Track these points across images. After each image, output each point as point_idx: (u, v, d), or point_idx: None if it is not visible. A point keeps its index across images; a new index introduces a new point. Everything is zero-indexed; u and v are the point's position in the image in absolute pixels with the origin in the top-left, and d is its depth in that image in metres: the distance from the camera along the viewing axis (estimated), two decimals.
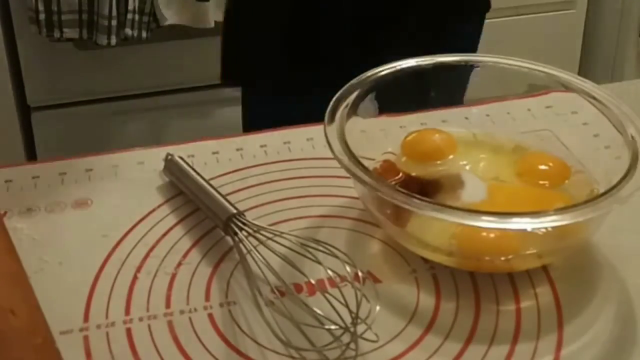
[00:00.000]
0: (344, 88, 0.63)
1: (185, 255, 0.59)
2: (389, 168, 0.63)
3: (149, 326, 0.54)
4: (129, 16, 1.59)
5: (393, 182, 0.61)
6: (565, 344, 0.53)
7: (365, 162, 0.57)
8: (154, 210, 0.64)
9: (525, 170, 0.63)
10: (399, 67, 0.65)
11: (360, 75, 0.64)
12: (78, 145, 1.71)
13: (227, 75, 1.04)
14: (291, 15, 0.96)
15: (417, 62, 0.66)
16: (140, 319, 0.54)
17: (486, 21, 1.11)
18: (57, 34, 1.58)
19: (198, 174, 0.64)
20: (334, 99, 0.62)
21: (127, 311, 0.55)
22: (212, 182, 0.67)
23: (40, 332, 0.51)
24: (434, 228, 0.57)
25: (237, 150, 0.70)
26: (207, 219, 0.62)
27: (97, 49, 1.64)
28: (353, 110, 0.61)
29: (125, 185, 0.67)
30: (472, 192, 0.60)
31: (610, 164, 0.59)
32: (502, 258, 0.57)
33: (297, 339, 0.53)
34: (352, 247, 0.61)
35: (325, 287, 0.56)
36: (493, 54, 0.68)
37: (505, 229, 0.54)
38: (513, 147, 0.65)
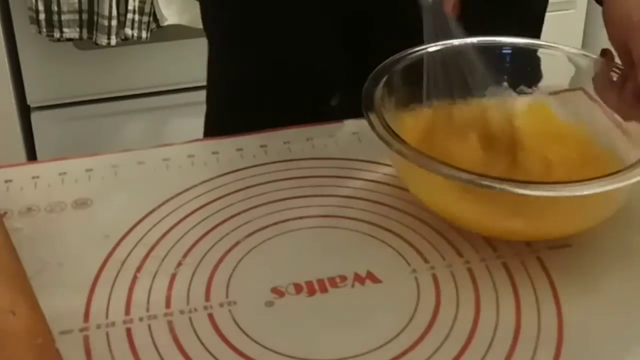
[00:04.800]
0: (375, 70, 0.64)
1: (185, 255, 0.59)
2: None
3: (149, 326, 0.54)
4: (129, 16, 1.58)
5: None
6: (565, 343, 0.52)
7: None
8: (154, 210, 0.64)
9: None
10: (431, 50, 0.66)
11: (393, 56, 0.66)
12: (78, 145, 1.71)
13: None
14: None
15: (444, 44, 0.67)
16: (140, 319, 0.54)
17: None
18: (57, 34, 1.58)
19: None
20: (366, 83, 0.63)
21: (127, 311, 0.55)
22: (211, 182, 0.67)
23: (40, 332, 0.51)
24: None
25: (237, 150, 0.70)
26: (208, 217, 0.62)
27: (97, 49, 1.64)
28: (388, 92, 0.62)
29: (125, 185, 0.67)
30: None
31: None
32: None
33: (302, 340, 0.53)
34: (352, 247, 0.61)
35: (325, 287, 0.56)
36: None
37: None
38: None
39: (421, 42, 0.67)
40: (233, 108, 0.88)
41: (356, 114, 0.64)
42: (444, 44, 0.66)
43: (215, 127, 0.88)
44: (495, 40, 0.69)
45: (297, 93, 0.83)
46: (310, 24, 0.81)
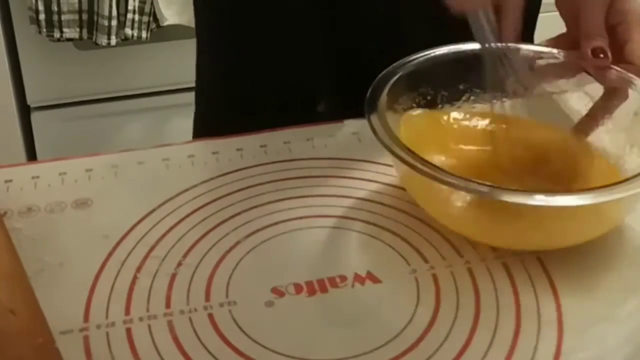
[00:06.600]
0: (379, 76, 0.64)
1: (185, 255, 0.59)
2: None
3: (149, 326, 0.54)
4: (129, 16, 1.59)
5: None
6: (565, 344, 0.53)
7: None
8: (154, 210, 0.64)
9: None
10: (432, 55, 0.66)
11: (399, 62, 0.65)
12: (78, 145, 1.71)
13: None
14: None
15: (449, 50, 0.67)
16: (140, 319, 0.54)
17: None
18: (57, 34, 1.58)
19: None
20: (370, 88, 0.62)
21: (127, 311, 0.55)
22: (211, 182, 0.67)
23: (40, 332, 0.51)
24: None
25: (237, 150, 0.70)
26: (208, 217, 0.62)
27: (97, 49, 1.64)
28: (391, 98, 0.62)
29: (125, 185, 0.67)
30: None
31: None
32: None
33: (302, 340, 0.53)
34: (352, 247, 0.61)
35: (325, 287, 0.56)
36: None
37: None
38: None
39: (410, 49, 0.66)
40: (222, 110, 0.88)
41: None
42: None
43: (204, 128, 0.88)
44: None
45: (282, 98, 0.83)
46: (296, 27, 0.81)
